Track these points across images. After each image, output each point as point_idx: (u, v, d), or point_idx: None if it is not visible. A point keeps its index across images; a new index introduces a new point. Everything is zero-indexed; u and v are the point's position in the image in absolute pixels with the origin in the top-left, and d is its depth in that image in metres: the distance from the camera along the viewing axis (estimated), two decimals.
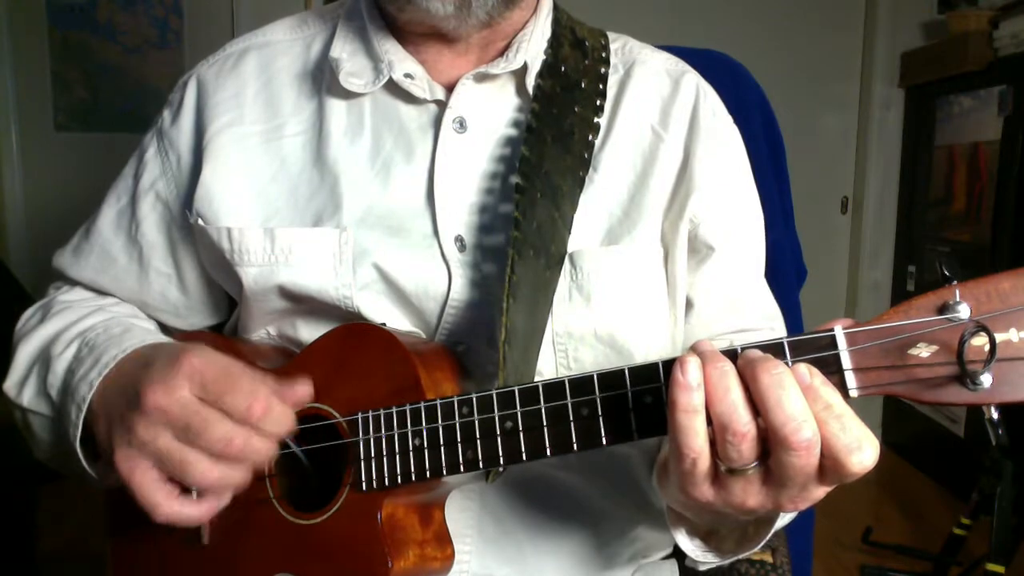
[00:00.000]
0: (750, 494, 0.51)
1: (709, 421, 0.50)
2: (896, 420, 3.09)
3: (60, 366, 0.72)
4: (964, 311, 0.46)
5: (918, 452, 2.92)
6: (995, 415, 0.48)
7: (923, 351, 0.47)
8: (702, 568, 0.68)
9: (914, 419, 2.92)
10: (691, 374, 0.49)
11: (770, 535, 0.63)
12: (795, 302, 1.03)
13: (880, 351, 0.48)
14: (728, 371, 0.49)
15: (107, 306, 0.81)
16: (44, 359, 0.74)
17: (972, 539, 2.01)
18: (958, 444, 2.58)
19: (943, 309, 0.47)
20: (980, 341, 0.46)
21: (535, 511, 0.75)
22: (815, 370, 0.49)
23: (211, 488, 0.61)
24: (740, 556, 0.66)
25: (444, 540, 0.68)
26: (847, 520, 2.34)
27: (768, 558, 0.91)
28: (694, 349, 0.51)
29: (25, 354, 0.76)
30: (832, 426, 0.47)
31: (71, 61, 2.86)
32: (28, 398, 0.73)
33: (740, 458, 0.49)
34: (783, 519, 0.65)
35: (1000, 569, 1.83)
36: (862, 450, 0.47)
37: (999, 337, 0.45)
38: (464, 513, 0.73)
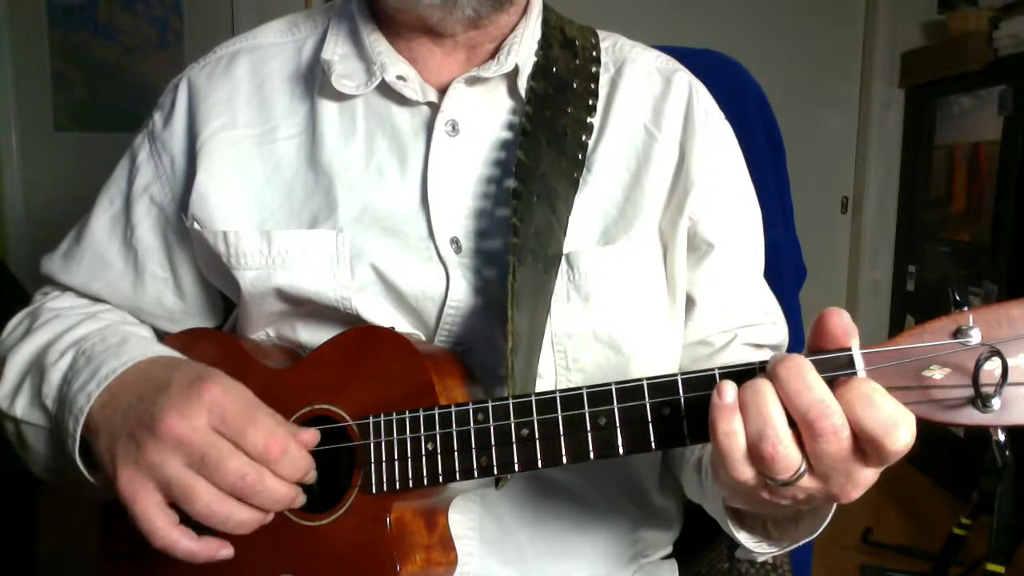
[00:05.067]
0: (801, 490, 0.51)
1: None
2: None
3: (55, 376, 0.70)
4: (976, 336, 0.48)
5: (918, 452, 2.90)
6: (1002, 437, 0.49)
7: (936, 373, 0.49)
8: (759, 559, 0.68)
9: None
10: (728, 395, 0.50)
11: (828, 518, 0.63)
12: (795, 302, 1.03)
13: (895, 372, 0.49)
14: (761, 389, 0.49)
15: (99, 313, 0.80)
16: (37, 368, 0.72)
17: (972, 539, 2.01)
18: (958, 444, 2.58)
19: (956, 333, 0.48)
20: (991, 366, 0.47)
21: (536, 512, 0.76)
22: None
23: (215, 522, 0.60)
24: (799, 543, 0.66)
25: (448, 545, 0.68)
26: (847, 520, 2.34)
27: (768, 558, 0.91)
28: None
29: (16, 363, 0.74)
30: (861, 407, 0.47)
31: (71, 61, 2.86)
32: (21, 408, 0.72)
33: (785, 471, 0.49)
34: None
35: (1000, 569, 1.83)
36: (898, 427, 0.47)
37: (1010, 362, 0.46)
38: (465, 514, 0.74)
